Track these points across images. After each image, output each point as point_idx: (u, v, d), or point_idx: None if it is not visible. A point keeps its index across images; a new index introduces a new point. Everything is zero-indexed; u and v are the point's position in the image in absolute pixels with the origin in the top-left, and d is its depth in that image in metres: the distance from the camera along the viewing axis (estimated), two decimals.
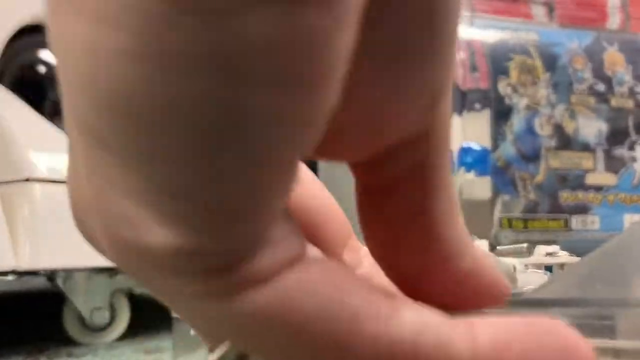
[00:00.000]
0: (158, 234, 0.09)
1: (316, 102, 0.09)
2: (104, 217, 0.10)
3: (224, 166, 0.09)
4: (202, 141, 0.09)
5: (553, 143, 1.79)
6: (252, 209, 0.10)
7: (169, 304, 0.11)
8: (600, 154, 1.94)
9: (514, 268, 0.35)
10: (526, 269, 0.40)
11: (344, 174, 0.15)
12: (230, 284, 0.10)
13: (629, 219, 1.03)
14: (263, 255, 0.10)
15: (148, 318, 1.16)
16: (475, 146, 1.21)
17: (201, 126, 0.09)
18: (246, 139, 0.09)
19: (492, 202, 1.20)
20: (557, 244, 0.61)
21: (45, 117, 1.17)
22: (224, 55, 0.08)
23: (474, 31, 1.74)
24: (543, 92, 1.78)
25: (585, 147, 1.82)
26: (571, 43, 1.86)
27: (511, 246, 0.56)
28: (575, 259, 0.51)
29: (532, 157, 1.74)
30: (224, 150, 0.09)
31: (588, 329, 0.23)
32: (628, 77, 1.86)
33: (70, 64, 0.09)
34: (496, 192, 1.22)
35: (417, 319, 0.11)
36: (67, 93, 0.10)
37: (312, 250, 0.11)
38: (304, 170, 0.14)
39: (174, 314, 0.41)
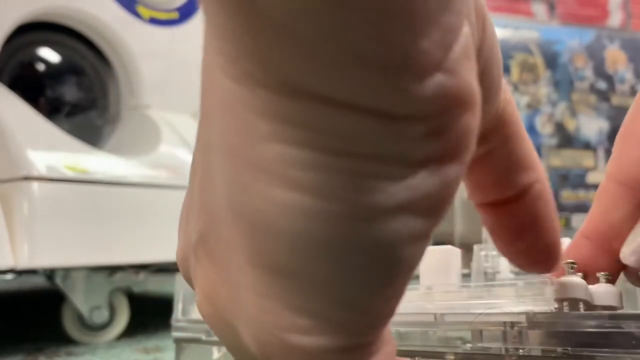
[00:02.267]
0: (318, 338, 0.13)
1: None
2: (266, 326, 0.13)
3: (372, 289, 0.13)
4: (361, 276, 0.12)
5: (554, 141, 1.78)
6: (387, 317, 0.13)
7: None
8: (601, 153, 1.94)
9: None
10: None
11: None
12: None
13: None
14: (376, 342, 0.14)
15: (147, 317, 1.16)
16: None
17: (358, 267, 0.12)
18: (392, 272, 0.13)
19: None
20: None
21: (44, 115, 1.17)
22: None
23: None
24: (544, 90, 1.77)
25: (586, 146, 1.81)
26: (572, 41, 1.85)
27: None
28: None
29: None
30: (374, 279, 0.12)
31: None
32: (629, 75, 1.85)
33: (263, 221, 0.12)
34: None
35: None
36: (252, 240, 0.13)
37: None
38: None
39: (174, 320, 0.41)
